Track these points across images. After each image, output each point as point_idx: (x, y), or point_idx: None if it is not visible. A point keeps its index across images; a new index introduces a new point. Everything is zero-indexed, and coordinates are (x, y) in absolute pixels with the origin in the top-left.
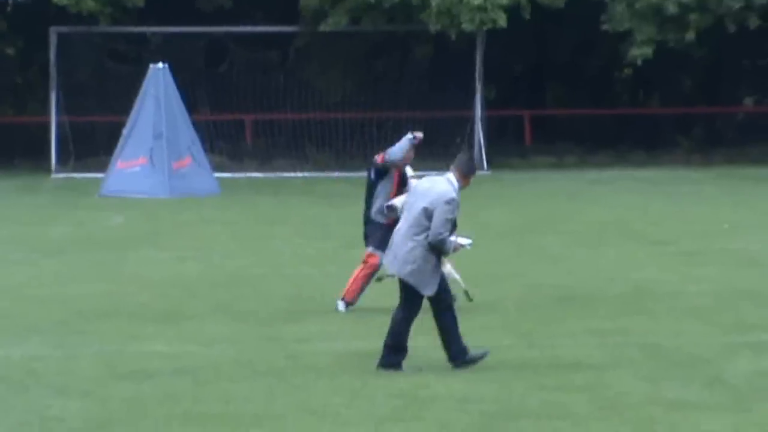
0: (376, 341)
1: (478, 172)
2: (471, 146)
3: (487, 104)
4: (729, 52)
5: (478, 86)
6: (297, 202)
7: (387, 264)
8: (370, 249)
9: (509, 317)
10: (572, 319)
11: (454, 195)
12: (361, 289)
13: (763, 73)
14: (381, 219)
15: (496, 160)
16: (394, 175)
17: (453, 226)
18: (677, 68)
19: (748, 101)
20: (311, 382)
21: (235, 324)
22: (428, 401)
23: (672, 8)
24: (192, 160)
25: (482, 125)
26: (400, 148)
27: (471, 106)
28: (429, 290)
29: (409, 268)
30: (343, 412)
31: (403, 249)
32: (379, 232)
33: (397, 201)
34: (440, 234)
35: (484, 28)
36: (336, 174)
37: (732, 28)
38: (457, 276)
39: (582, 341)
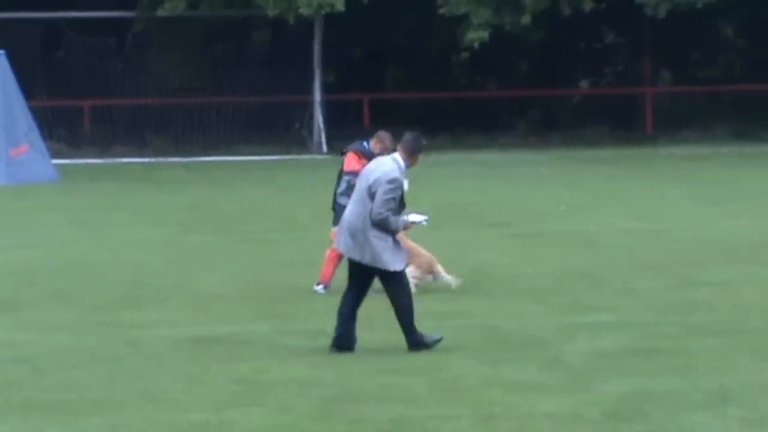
0: (215, 327)
1: (318, 156)
2: (311, 130)
3: (326, 88)
4: (564, 35)
5: (317, 70)
6: (136, 188)
7: (343, 248)
8: (335, 228)
9: None
10: None
11: (396, 175)
12: (334, 269)
13: (598, 55)
14: (344, 201)
15: (335, 144)
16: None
17: (402, 205)
18: (514, 51)
19: (584, 84)
20: (151, 368)
21: (74, 311)
22: (268, 386)
23: None
24: (30, 146)
25: (321, 109)
26: None
27: (310, 90)
28: (398, 265)
29: (368, 252)
30: (183, 399)
31: (356, 233)
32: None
33: None
34: (380, 214)
35: (322, 12)
36: (175, 159)
37: (567, 11)
38: None
39: (421, 324)
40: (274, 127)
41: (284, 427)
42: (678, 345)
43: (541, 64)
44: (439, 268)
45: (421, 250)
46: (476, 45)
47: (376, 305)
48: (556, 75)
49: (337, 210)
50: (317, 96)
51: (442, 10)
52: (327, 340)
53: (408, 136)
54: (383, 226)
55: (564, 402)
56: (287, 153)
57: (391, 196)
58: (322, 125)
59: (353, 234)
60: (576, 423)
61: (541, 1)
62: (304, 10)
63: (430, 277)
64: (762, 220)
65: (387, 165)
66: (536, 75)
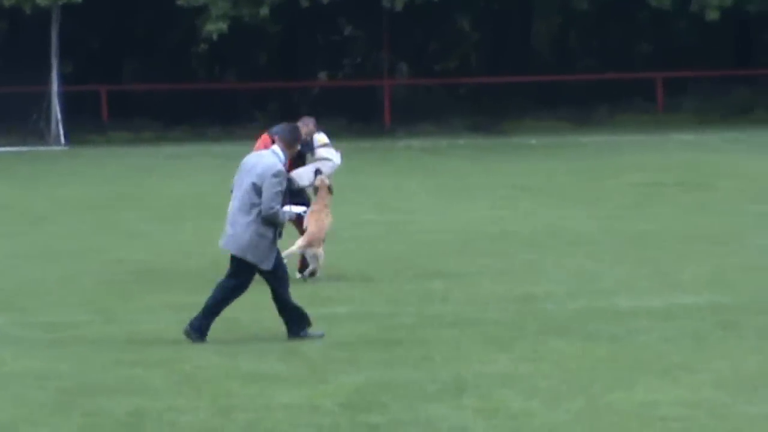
0: None
1: (55, 148)
2: (48, 122)
3: (63, 79)
4: (303, 28)
5: (54, 61)
6: None
7: (224, 244)
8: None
9: (87, 293)
10: (151, 294)
11: (280, 167)
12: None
13: (337, 48)
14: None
15: (74, 136)
16: None
17: (284, 198)
18: (253, 43)
19: (323, 75)
20: None
21: None
22: (4, 379)
23: None
24: None
25: (59, 101)
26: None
27: (47, 82)
28: (267, 264)
29: (246, 245)
30: None
31: (238, 227)
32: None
33: (294, 173)
34: (271, 208)
35: (59, 2)
36: None
37: (305, 3)
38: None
39: (160, 316)
40: (11, 119)
41: (20, 420)
42: (414, 336)
43: (281, 56)
44: (320, 250)
45: (320, 225)
46: (215, 37)
47: (112, 296)
48: (296, 67)
49: None
50: (55, 87)
51: (180, 2)
52: (63, 332)
53: (285, 126)
54: (273, 220)
55: (301, 393)
56: (25, 145)
57: (279, 189)
58: (59, 117)
59: (233, 227)
60: (313, 414)
61: None
62: (41, 1)
63: (311, 251)
64: (497, 211)
65: (269, 159)
66: (275, 67)
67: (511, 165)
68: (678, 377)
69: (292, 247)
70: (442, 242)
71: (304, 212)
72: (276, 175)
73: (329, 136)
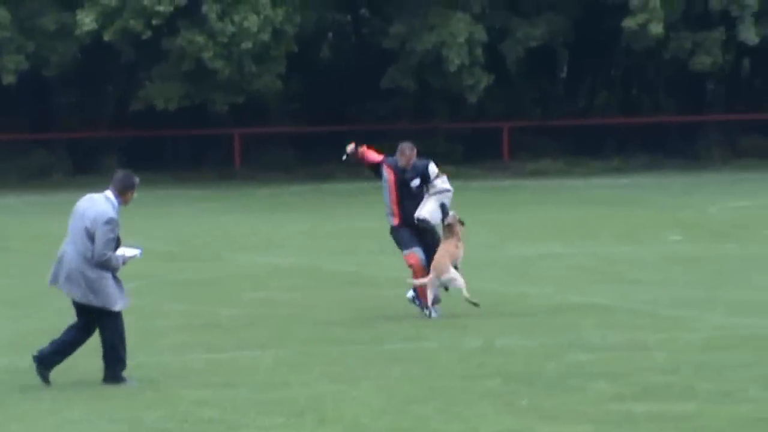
0: None
1: None
2: None
3: None
4: None
5: None
6: None
7: (66, 292)
8: (404, 252)
9: None
10: None
11: (112, 214)
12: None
13: None
14: (393, 221)
15: None
16: (389, 179)
17: (117, 242)
18: None
19: None
20: None
21: None
22: None
23: None
24: None
25: None
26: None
27: None
28: (120, 304)
29: (89, 291)
30: None
31: (77, 274)
32: (400, 234)
33: (425, 212)
34: (104, 255)
35: None
36: None
37: None
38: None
39: None
40: None
41: None
42: None
43: None
44: (451, 275)
45: (444, 252)
46: None
47: None
48: None
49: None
50: None
51: None
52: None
53: (119, 173)
54: (106, 266)
55: None
56: None
57: (111, 236)
58: None
59: (72, 274)
60: None
61: None
62: None
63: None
64: None
65: (101, 205)
66: None
67: None
68: None
69: (423, 279)
70: None
71: (140, 254)
72: (108, 222)
73: None
